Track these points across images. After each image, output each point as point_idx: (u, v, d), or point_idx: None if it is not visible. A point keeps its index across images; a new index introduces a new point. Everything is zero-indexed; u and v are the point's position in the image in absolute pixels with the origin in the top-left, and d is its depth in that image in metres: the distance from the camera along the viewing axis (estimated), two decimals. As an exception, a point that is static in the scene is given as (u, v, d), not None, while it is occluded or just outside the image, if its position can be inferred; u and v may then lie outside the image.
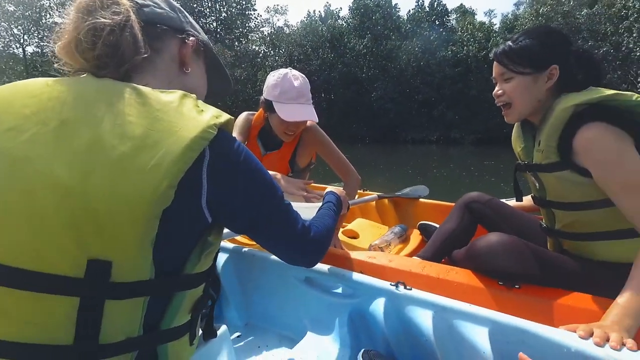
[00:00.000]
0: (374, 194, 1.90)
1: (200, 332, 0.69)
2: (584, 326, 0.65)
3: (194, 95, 0.53)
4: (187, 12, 0.68)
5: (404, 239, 1.63)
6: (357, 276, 0.87)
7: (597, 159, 0.84)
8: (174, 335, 0.55)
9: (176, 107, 0.50)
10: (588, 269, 0.95)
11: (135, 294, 0.47)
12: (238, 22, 26.54)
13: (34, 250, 0.43)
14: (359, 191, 1.98)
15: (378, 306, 0.83)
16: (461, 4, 25.12)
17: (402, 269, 1.08)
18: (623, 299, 0.73)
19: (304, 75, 1.40)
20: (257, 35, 26.70)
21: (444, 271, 1.05)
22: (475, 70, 18.87)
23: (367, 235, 1.64)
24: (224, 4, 26.30)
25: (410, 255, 1.40)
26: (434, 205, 1.88)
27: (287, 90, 1.33)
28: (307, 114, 1.34)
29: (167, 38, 0.62)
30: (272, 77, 1.38)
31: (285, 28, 25.89)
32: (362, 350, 0.77)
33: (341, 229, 1.64)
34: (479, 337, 0.69)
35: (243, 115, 1.57)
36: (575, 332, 0.64)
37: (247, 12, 27.03)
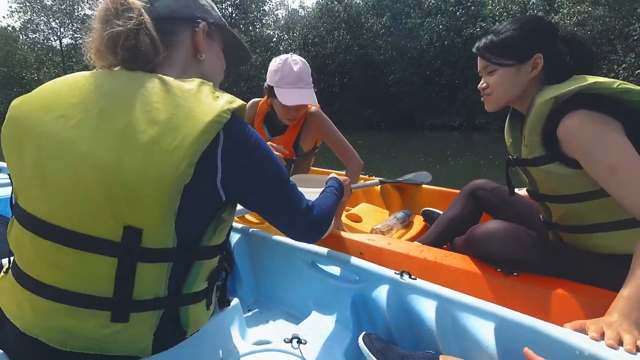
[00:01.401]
0: (376, 179, 1.89)
1: (216, 300, 0.77)
2: (593, 326, 0.62)
3: (210, 83, 0.59)
4: None
5: (406, 224, 1.63)
6: (361, 262, 0.88)
7: (581, 145, 0.81)
8: (194, 299, 0.63)
9: (194, 94, 0.55)
10: (587, 261, 0.93)
11: (161, 259, 0.55)
12: (253, 5, 26.24)
13: (80, 215, 0.52)
14: (361, 176, 1.97)
15: (381, 293, 0.83)
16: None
17: (399, 251, 1.10)
18: (627, 291, 0.69)
19: (304, 60, 1.40)
20: (271, 19, 26.37)
21: (441, 256, 1.06)
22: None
23: (370, 220, 1.65)
24: (239, -12, 25.99)
25: (412, 240, 1.40)
26: (440, 192, 1.86)
27: (287, 75, 1.34)
28: (306, 98, 1.35)
29: (180, 31, 0.66)
30: (274, 63, 1.40)
31: (300, 10, 25.34)
32: (363, 333, 0.77)
33: (345, 213, 1.65)
34: (484, 331, 0.68)
35: (250, 101, 1.59)
36: (586, 332, 0.62)
37: (261, -5, 26.65)
